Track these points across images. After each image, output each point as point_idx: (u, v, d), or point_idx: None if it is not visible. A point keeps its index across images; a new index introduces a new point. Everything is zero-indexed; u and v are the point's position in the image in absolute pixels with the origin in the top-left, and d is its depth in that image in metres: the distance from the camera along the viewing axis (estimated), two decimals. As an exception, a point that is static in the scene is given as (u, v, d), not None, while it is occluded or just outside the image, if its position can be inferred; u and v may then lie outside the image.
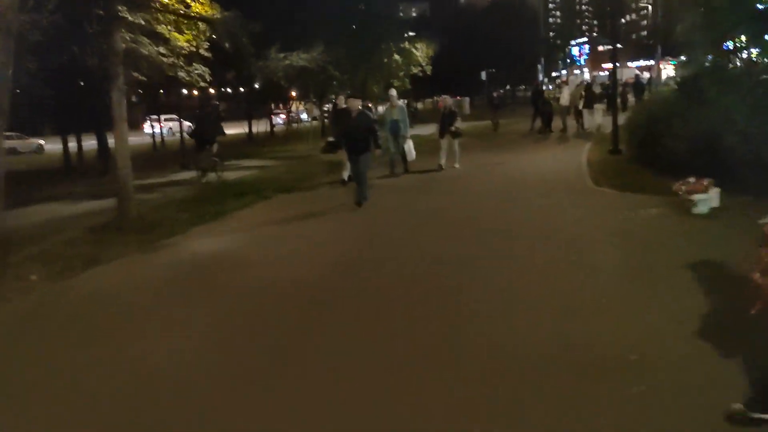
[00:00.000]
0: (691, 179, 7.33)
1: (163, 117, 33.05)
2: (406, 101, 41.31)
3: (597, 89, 25.43)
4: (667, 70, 63.54)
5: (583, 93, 21.70)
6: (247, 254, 7.22)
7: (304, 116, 46.29)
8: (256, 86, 27.10)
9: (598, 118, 23.60)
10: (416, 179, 12.78)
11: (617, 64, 16.62)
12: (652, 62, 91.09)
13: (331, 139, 12.68)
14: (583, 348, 3.81)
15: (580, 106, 21.60)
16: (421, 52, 30.30)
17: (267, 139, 31.21)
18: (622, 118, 14.41)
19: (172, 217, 9.98)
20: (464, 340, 4.13)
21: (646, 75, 74.82)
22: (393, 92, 14.15)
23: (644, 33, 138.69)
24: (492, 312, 4.64)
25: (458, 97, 56.79)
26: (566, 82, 23.45)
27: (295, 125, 43.16)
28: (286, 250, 7.32)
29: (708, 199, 7.00)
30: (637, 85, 26.51)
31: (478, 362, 3.76)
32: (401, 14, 36.46)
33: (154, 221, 9.56)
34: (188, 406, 3.50)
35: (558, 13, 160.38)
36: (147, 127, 34.53)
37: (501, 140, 20.98)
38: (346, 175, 11.92)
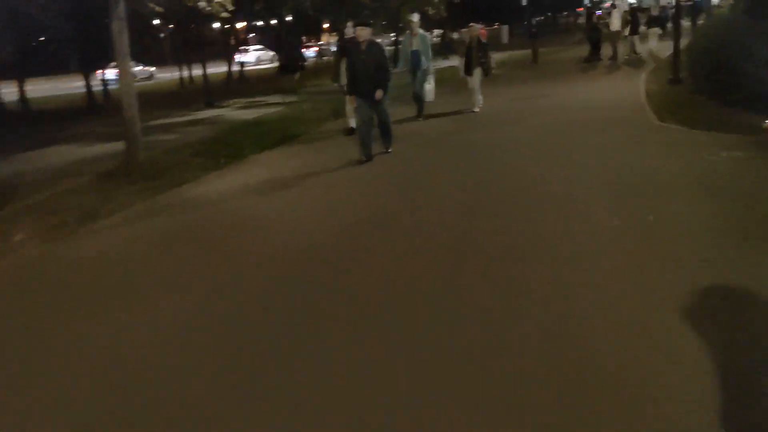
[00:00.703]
0: (788, 114, 6.06)
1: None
2: (441, 31, 39.05)
3: (656, 12, 23.33)
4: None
5: (630, 18, 19.75)
6: (259, 210, 6.33)
7: (334, 49, 44.72)
8: (287, 18, 25.59)
9: (652, 42, 21.77)
10: (445, 123, 10.79)
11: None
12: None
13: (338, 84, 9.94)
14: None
15: (626, 33, 19.75)
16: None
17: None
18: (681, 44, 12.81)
19: (185, 161, 9.16)
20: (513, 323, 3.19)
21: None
22: (415, 17, 11.57)
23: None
24: (551, 302, 3.54)
25: (497, 25, 54.08)
26: (615, 6, 21.24)
27: (325, 59, 41.63)
28: (303, 208, 6.39)
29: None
30: (694, 7, 24.08)
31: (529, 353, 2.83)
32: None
33: (165, 166, 8.76)
34: (179, 398, 2.70)
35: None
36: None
37: (545, 70, 19.31)
38: (353, 122, 9.52)
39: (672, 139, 7.46)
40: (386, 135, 8.32)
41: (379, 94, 7.77)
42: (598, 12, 33.67)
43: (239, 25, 41.56)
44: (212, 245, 5.21)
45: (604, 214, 4.85)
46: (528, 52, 26.91)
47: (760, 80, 8.36)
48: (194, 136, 12.05)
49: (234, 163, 8.79)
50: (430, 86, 11.39)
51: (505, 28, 47.33)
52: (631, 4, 25.92)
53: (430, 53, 11.27)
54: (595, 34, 20.26)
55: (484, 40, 11.85)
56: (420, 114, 11.34)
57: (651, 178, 5.72)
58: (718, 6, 33.29)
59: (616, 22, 19.96)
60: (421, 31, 11.28)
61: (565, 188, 5.67)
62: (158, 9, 17.68)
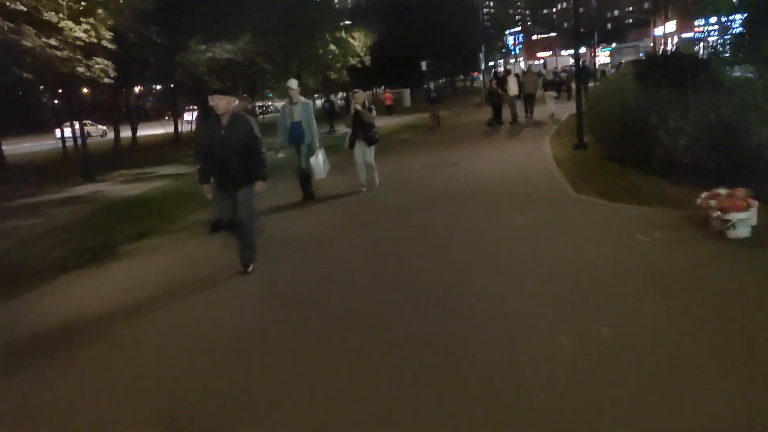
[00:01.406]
0: (721, 190, 5.57)
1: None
2: (344, 94, 38.95)
3: (549, 76, 24.24)
4: (600, 57, 64.16)
5: (537, 81, 20.44)
6: (115, 337, 4.92)
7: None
8: (173, 83, 24.29)
9: (551, 106, 22.40)
10: (339, 209, 9.02)
11: (580, 49, 15.08)
12: (584, 50, 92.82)
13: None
14: None
15: (521, 96, 20.42)
16: (358, 41, 28.18)
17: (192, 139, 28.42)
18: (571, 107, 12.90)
19: (41, 256, 7.56)
20: None
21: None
22: (292, 83, 9.74)
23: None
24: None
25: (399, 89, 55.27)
26: (509, 72, 21.93)
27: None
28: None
29: (748, 218, 5.25)
30: (584, 72, 25.23)
31: None
32: (336, 2, 33.60)
33: (10, 264, 7.16)
34: None
35: (491, 3, 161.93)
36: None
37: (450, 134, 19.20)
38: (220, 214, 6.17)
39: (596, 216, 6.85)
40: (246, 244, 5.98)
41: (259, 187, 5.81)
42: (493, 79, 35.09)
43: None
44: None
45: (545, 330, 3.93)
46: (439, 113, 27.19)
47: (673, 148, 8.12)
48: (62, 220, 10.38)
49: (100, 259, 7.30)
50: (318, 161, 9.51)
51: (407, 92, 48.36)
52: (524, 69, 26.95)
53: (315, 124, 9.64)
54: (495, 98, 20.55)
55: (368, 105, 10.11)
56: (308, 197, 9.88)
57: (589, 272, 4.94)
58: (603, 72, 35.58)
59: (513, 87, 20.42)
60: (302, 98, 9.79)
61: (494, 301, 4.61)
62: (27, 76, 16.00)
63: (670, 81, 9.24)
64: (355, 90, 11.14)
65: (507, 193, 8.80)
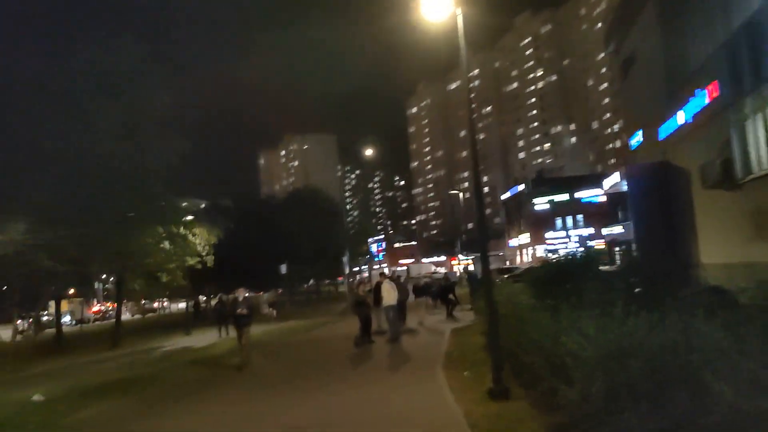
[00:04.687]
0: None
1: None
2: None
3: (423, 280, 21.28)
4: (459, 265, 65.37)
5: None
6: None
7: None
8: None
9: (422, 314, 19.64)
10: None
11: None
12: (443, 257, 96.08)
13: None
14: None
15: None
16: (200, 238, 23.59)
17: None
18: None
19: None
20: None
21: (441, 270, 76.95)
22: None
23: (434, 231, 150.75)
24: None
25: (261, 292, 50.30)
26: (384, 276, 18.42)
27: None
28: None
29: None
30: (472, 278, 22.39)
31: None
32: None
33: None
34: None
35: (356, 213, 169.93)
36: None
37: (309, 358, 14.31)
38: None
39: None
40: None
41: None
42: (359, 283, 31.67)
43: None
44: None
45: None
46: (292, 324, 22.51)
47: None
48: None
49: None
50: None
51: (265, 297, 43.46)
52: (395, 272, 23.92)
53: None
54: (363, 308, 16.26)
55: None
56: None
57: None
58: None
59: (388, 295, 16.28)
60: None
61: None
62: None
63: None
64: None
65: None
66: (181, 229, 22.44)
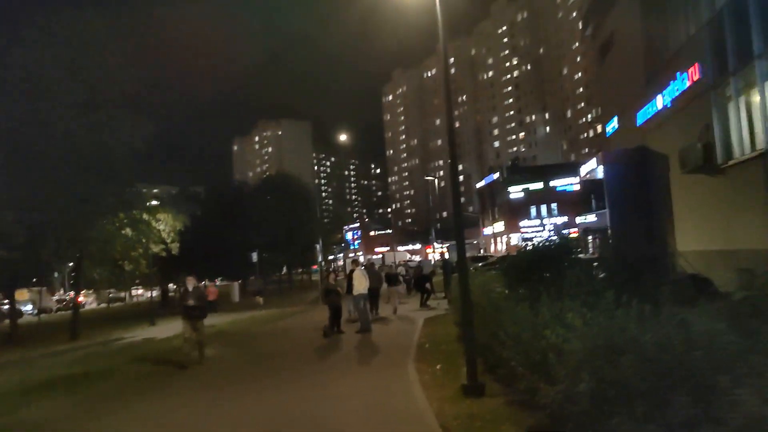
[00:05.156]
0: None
1: None
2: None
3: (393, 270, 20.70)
4: (434, 253, 65.11)
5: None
6: None
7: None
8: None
9: (394, 302, 19.02)
10: None
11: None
12: (418, 245, 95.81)
13: None
14: None
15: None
16: (165, 224, 22.56)
17: None
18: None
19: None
20: None
21: (416, 258, 76.58)
22: None
23: (408, 220, 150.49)
24: None
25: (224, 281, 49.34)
26: (356, 262, 17.67)
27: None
28: None
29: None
30: (446, 265, 21.81)
31: None
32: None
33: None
34: None
35: (331, 201, 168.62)
36: None
37: (279, 349, 13.58)
38: None
39: None
40: None
41: None
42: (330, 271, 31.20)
43: None
44: None
45: None
46: (263, 313, 21.80)
47: None
48: None
49: None
50: None
51: (236, 285, 42.57)
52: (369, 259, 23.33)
53: None
54: (333, 296, 15.58)
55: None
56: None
57: None
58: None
59: (360, 282, 15.59)
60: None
61: None
62: None
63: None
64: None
65: None
66: (144, 215, 21.40)
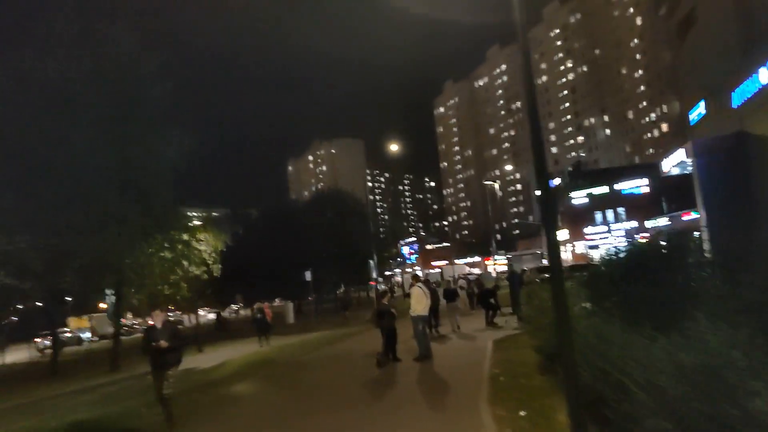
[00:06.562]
0: None
1: None
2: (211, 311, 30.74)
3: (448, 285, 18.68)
4: (495, 266, 62.02)
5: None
6: None
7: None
8: None
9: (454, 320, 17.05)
10: None
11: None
12: (477, 258, 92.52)
13: None
14: None
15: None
16: (206, 245, 21.16)
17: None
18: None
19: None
20: None
21: (477, 270, 73.49)
22: None
23: (465, 232, 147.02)
24: None
25: (278, 301, 47.97)
26: (417, 278, 15.36)
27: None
28: None
29: None
30: (513, 278, 19.46)
31: None
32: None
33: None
34: None
35: (387, 217, 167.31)
36: None
37: (316, 380, 11.67)
38: None
39: None
40: None
41: None
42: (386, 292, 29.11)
43: None
44: None
45: None
46: (317, 336, 20.11)
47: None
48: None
49: None
50: None
51: (290, 306, 41.14)
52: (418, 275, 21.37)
53: None
54: (387, 321, 13.40)
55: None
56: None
57: None
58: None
59: (417, 302, 13.37)
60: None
61: None
62: None
63: None
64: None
65: None
66: (185, 236, 20.07)
